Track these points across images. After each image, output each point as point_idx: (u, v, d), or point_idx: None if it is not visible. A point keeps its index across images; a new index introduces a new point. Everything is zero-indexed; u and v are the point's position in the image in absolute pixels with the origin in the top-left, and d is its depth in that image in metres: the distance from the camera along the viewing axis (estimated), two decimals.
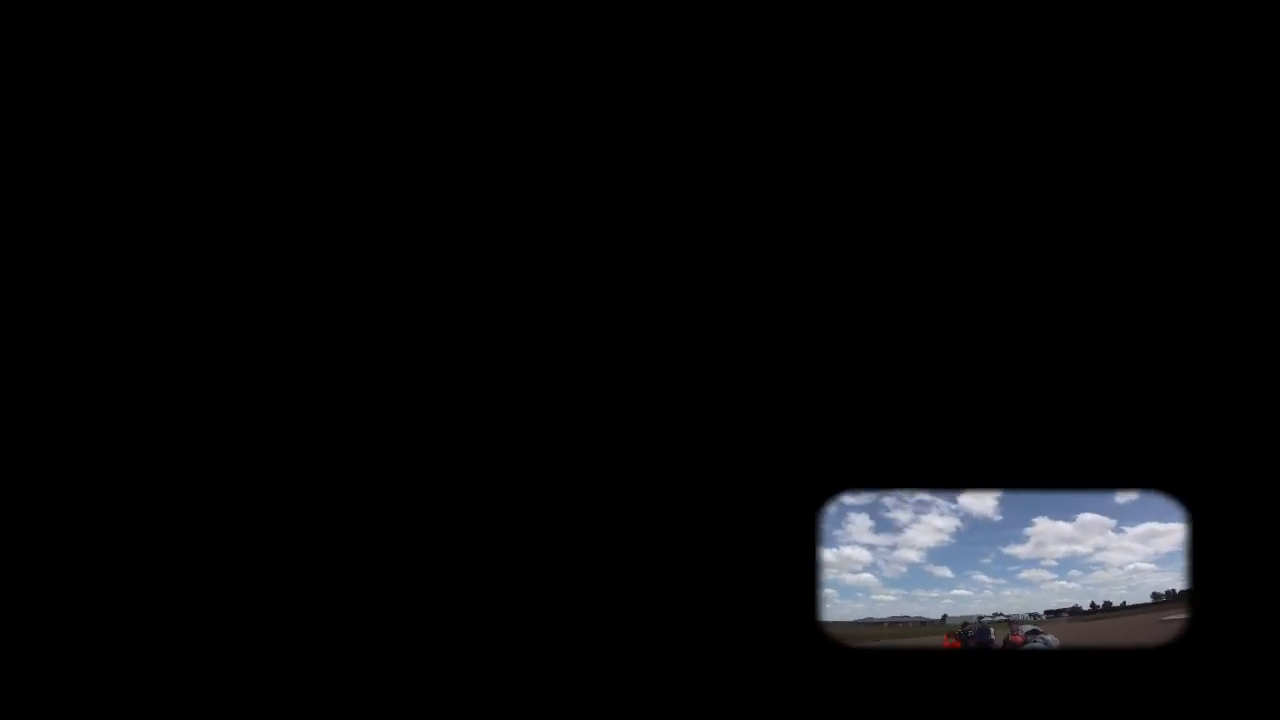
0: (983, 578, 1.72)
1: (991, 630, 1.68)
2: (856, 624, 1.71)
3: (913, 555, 1.73)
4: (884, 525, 1.72)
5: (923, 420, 1.67)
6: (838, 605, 1.71)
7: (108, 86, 1.66)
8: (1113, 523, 1.66)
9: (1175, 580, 1.66)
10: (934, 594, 1.72)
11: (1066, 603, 1.69)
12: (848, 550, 1.72)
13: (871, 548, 1.73)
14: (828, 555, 1.70)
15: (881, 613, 1.72)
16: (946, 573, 1.73)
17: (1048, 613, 1.69)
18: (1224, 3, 1.64)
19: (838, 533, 1.71)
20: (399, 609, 1.66)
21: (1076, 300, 1.67)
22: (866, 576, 1.73)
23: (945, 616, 1.71)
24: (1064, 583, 1.70)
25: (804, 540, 1.65)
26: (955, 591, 1.72)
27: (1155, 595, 1.67)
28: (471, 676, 1.64)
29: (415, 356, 1.68)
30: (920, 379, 1.67)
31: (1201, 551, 1.62)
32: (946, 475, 1.66)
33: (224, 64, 1.67)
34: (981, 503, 1.71)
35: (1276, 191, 1.65)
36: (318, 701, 1.63)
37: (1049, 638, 1.66)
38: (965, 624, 1.68)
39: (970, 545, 1.72)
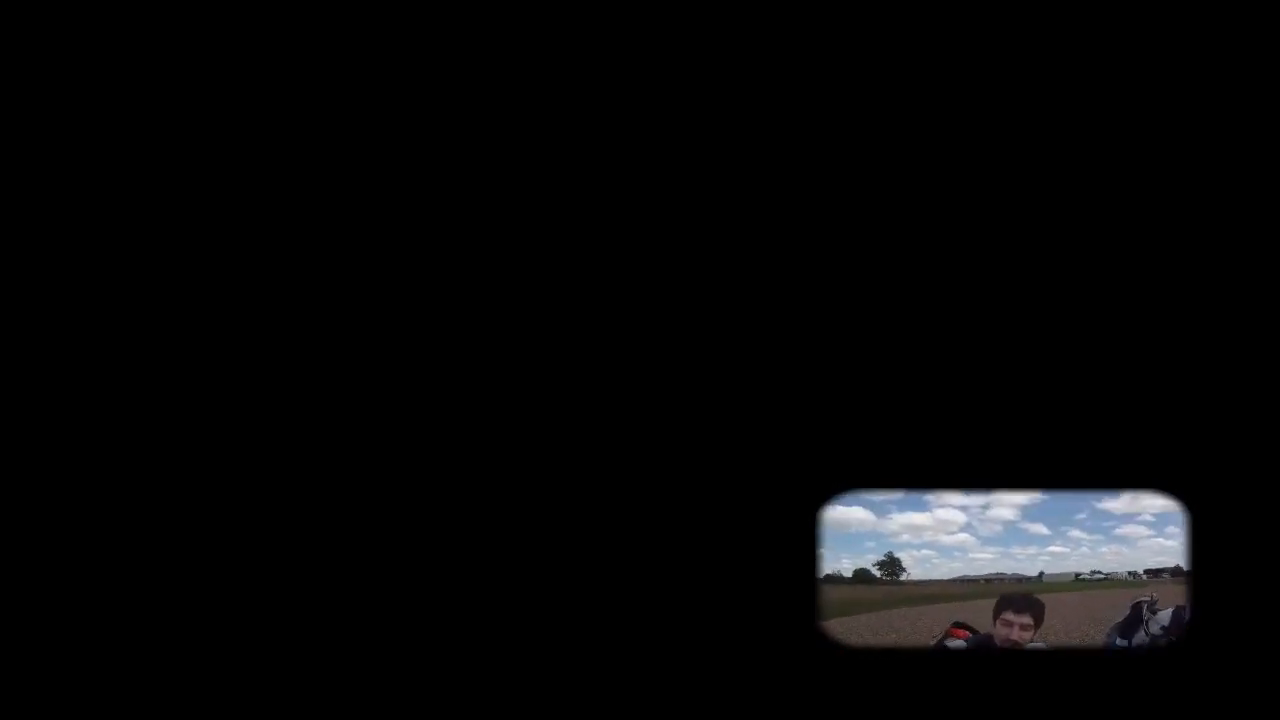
0: (1078, 534, 1.71)
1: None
2: (952, 581, 1.74)
3: (1007, 513, 1.72)
4: None
5: (923, 420, 1.65)
6: (935, 564, 1.74)
7: (108, 87, 1.63)
8: None
9: None
10: (1030, 551, 1.72)
11: (1166, 561, 1.67)
12: (941, 513, 1.71)
13: (964, 508, 1.72)
14: (922, 519, 1.72)
15: (978, 570, 1.73)
16: (1042, 529, 1.72)
17: (1147, 572, 1.68)
18: (1224, 3, 1.58)
19: (929, 497, 1.71)
20: (399, 609, 1.65)
21: (1077, 300, 1.64)
22: (963, 536, 1.73)
23: (1042, 573, 1.72)
24: (1162, 540, 1.67)
25: (804, 540, 1.64)
26: (1051, 548, 1.71)
27: None
28: (470, 677, 1.64)
29: (415, 356, 1.66)
30: (920, 379, 1.65)
31: (1201, 551, 1.61)
32: (947, 475, 1.65)
33: (224, 64, 1.64)
34: None
35: (1276, 191, 1.60)
36: (318, 702, 1.64)
37: None
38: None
39: (1065, 501, 1.71)
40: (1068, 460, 1.64)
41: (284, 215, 1.66)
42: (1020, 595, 1.66)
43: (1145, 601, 1.66)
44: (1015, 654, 1.63)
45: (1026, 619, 1.64)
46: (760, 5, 1.63)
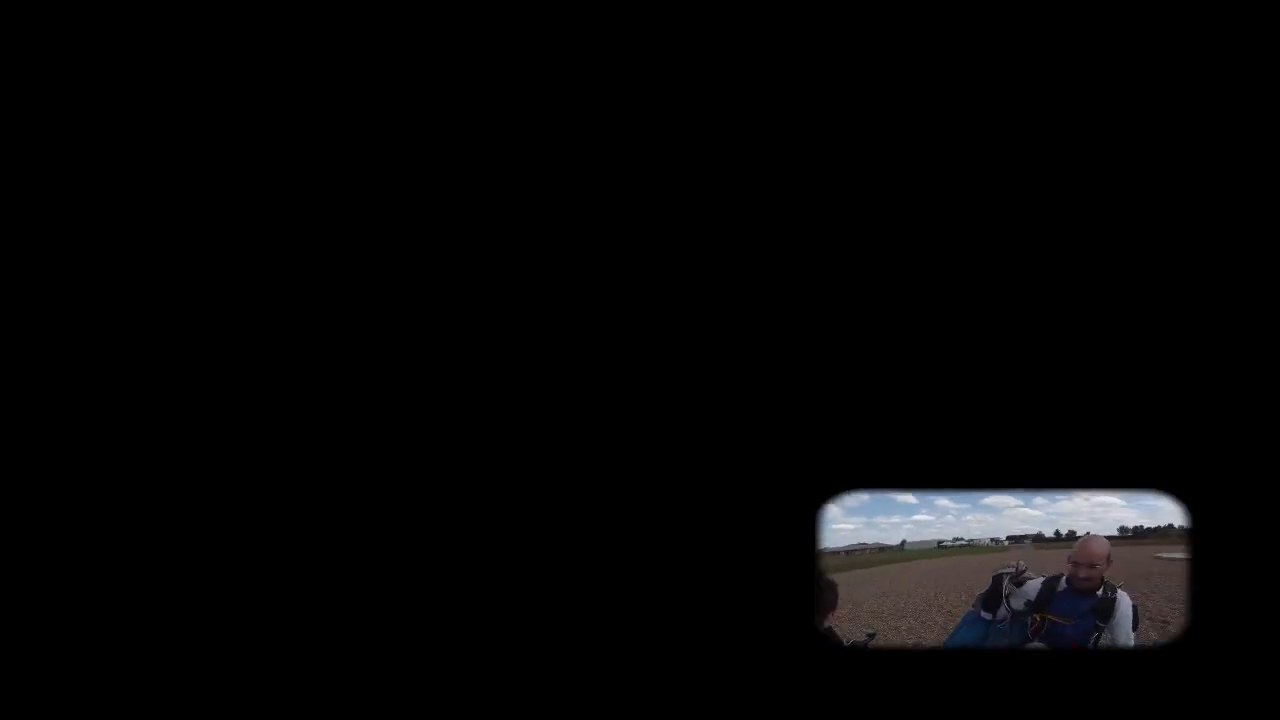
0: (945, 502, 1.67)
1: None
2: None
3: None
4: None
5: (923, 420, 1.62)
6: None
7: (108, 87, 1.62)
8: None
9: (1140, 517, 1.63)
10: (895, 520, 1.67)
11: (1029, 530, 1.66)
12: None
13: None
14: None
15: (840, 542, 1.67)
16: (909, 498, 1.67)
17: (1010, 538, 1.66)
18: (1224, 3, 1.55)
19: None
20: (399, 609, 1.63)
21: (1077, 300, 1.61)
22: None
23: (904, 542, 1.67)
24: (1028, 510, 1.65)
25: (804, 540, 1.61)
26: (916, 517, 1.67)
27: (1122, 529, 1.63)
28: (470, 677, 1.63)
29: (415, 357, 1.64)
30: (920, 379, 1.62)
31: (1201, 551, 1.59)
32: (946, 475, 1.62)
33: (224, 64, 1.62)
34: None
35: (1276, 191, 1.58)
36: (318, 702, 1.63)
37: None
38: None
39: None
40: (1068, 460, 1.62)
41: (284, 215, 1.63)
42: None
43: (1007, 572, 1.64)
44: (1015, 654, 1.61)
45: None
46: (760, 5, 1.59)
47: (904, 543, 1.67)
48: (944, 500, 1.67)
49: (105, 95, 1.62)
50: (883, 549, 1.66)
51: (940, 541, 1.67)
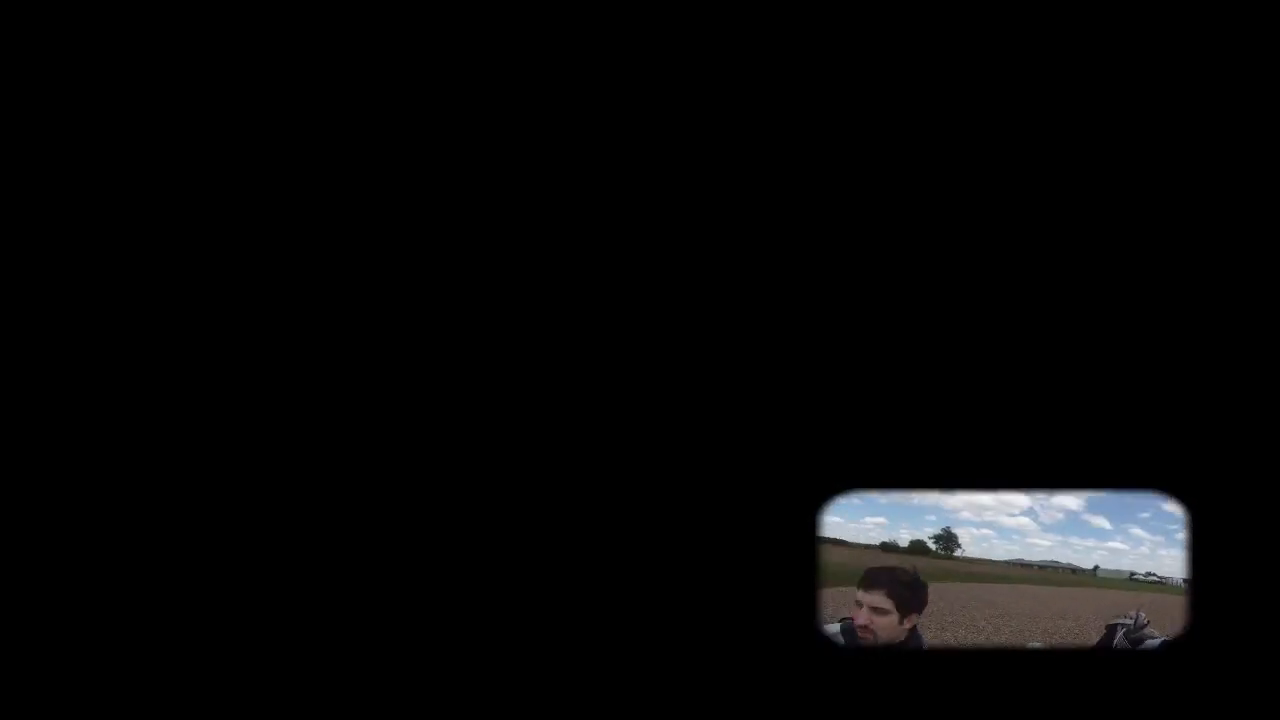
0: (1140, 533, 1.66)
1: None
2: (1008, 564, 1.72)
3: (1072, 503, 1.69)
4: None
5: (923, 420, 1.63)
6: (993, 545, 1.73)
7: (108, 86, 1.64)
8: None
9: None
10: (1089, 543, 1.68)
11: None
12: (1005, 494, 1.70)
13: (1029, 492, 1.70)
14: (986, 499, 1.71)
15: (1035, 556, 1.71)
16: (1104, 524, 1.68)
17: None
18: (1224, 3, 1.52)
19: None
20: (399, 609, 1.65)
21: (1077, 300, 1.61)
22: (1024, 520, 1.72)
23: (1097, 567, 1.68)
24: None
25: (804, 540, 1.62)
26: (1111, 544, 1.68)
27: None
28: (470, 677, 1.64)
29: (415, 357, 1.65)
30: (920, 378, 1.63)
31: (1201, 551, 1.57)
32: (947, 475, 1.64)
33: (224, 64, 1.64)
34: None
35: (1276, 191, 1.54)
36: (318, 702, 1.64)
37: None
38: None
39: (1132, 498, 1.66)
40: (1068, 460, 1.63)
41: (284, 215, 1.65)
42: (884, 569, 1.60)
43: (1123, 624, 1.57)
44: (1015, 654, 1.61)
45: (878, 599, 1.58)
46: (760, 5, 1.63)
47: (1097, 568, 1.68)
48: (1139, 530, 1.66)
49: (105, 96, 1.63)
50: (1075, 571, 1.68)
51: (1133, 574, 1.66)
